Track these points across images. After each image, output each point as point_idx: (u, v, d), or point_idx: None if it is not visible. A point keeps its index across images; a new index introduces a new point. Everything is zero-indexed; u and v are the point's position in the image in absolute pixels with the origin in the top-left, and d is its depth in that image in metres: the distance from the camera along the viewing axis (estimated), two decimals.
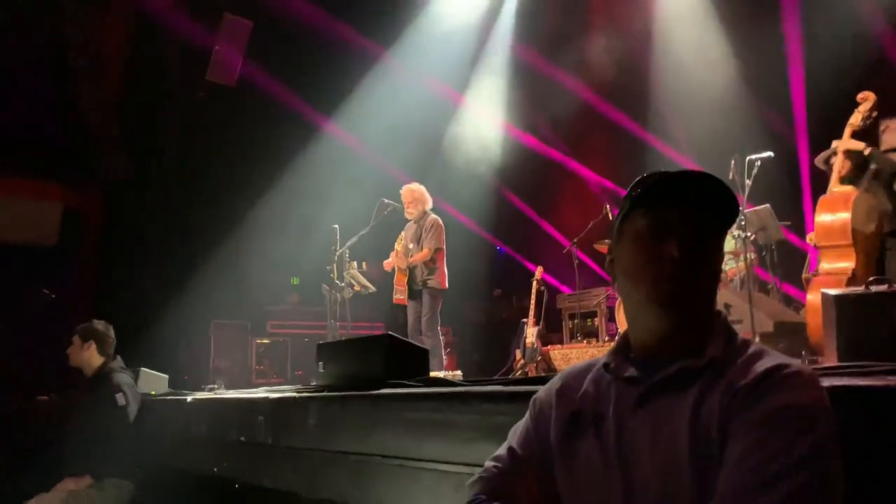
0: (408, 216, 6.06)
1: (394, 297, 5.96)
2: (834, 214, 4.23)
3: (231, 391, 4.62)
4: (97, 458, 3.97)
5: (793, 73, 6.86)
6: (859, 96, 4.54)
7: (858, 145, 4.44)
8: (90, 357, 4.23)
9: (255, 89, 8.59)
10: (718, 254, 1.22)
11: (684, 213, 1.18)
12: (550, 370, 6.34)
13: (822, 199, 4.38)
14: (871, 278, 3.05)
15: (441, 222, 6.01)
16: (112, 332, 4.35)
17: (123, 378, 4.24)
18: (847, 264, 4.17)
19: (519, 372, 6.64)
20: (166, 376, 5.15)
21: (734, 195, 1.22)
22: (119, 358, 4.38)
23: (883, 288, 2.79)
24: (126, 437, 4.05)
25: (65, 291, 7.44)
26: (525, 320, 6.94)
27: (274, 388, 5.05)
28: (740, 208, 5.05)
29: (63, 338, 4.36)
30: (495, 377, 6.32)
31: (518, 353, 6.89)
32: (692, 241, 1.16)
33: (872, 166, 4.43)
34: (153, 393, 4.78)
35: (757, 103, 7.02)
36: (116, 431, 4.02)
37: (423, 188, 6.09)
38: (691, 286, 1.16)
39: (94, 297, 7.98)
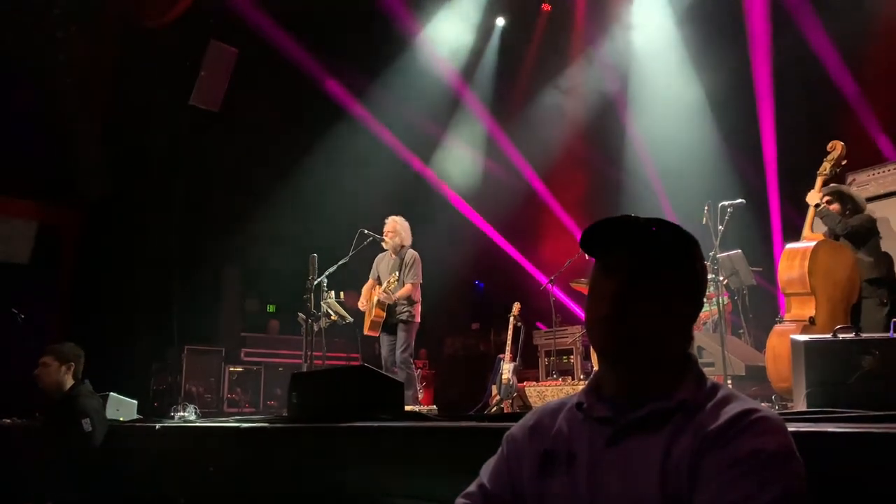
0: (385, 245, 6.09)
1: (366, 328, 5.95)
2: (791, 263, 4.35)
3: (201, 420, 4.55)
4: (60, 485, 3.85)
5: (764, 123, 7.08)
6: (829, 146, 4.66)
7: (814, 198, 4.57)
8: (65, 380, 4.13)
9: (240, 114, 8.61)
10: (667, 296, 1.21)
11: (620, 258, 1.22)
12: (526, 407, 6.33)
13: (785, 248, 4.50)
14: (838, 326, 3.13)
15: (419, 257, 6.06)
16: (83, 355, 4.28)
17: (91, 403, 4.14)
18: (805, 311, 4.26)
19: (494, 408, 6.62)
20: (135, 402, 5.05)
21: (675, 239, 1.24)
22: (87, 382, 4.28)
23: (850, 336, 2.87)
24: (91, 465, 3.95)
25: (36, 311, 7.29)
26: (502, 356, 6.94)
27: (245, 417, 4.98)
28: (712, 253, 5.17)
29: (32, 358, 4.26)
30: (470, 413, 6.31)
31: (494, 389, 6.88)
32: (627, 285, 1.19)
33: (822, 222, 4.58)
34: (121, 419, 4.69)
35: (730, 151, 7.22)
36: (81, 458, 3.92)
37: (406, 223, 6.15)
38: (626, 329, 1.19)
39: (66, 317, 7.83)
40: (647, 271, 1.20)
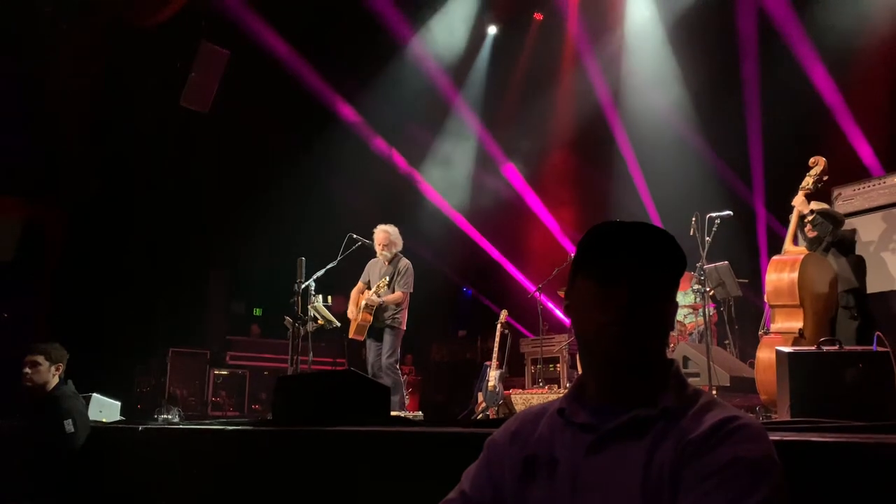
0: (381, 257, 6.09)
1: (351, 332, 5.93)
2: (781, 275, 4.35)
3: (185, 422, 4.52)
4: (38, 487, 3.80)
5: (752, 136, 7.15)
6: (811, 161, 4.71)
7: (804, 206, 4.60)
8: (52, 380, 4.08)
9: (229, 116, 8.58)
10: (666, 304, 1.23)
11: (631, 264, 1.20)
12: (511, 414, 6.32)
13: (772, 259, 4.52)
14: (822, 339, 3.18)
15: (412, 267, 6.06)
16: (68, 356, 4.23)
17: (74, 404, 4.09)
18: (795, 324, 4.28)
19: (480, 415, 6.62)
20: (118, 403, 5.01)
21: (679, 248, 1.25)
22: (70, 382, 4.23)
23: (833, 348, 2.91)
24: (71, 467, 3.90)
25: (19, 309, 7.20)
26: (488, 363, 6.94)
27: (230, 420, 4.96)
28: (700, 263, 5.20)
29: (13, 357, 4.20)
30: (457, 419, 6.30)
31: (480, 396, 6.88)
32: (638, 291, 1.19)
33: (810, 227, 4.60)
34: (104, 420, 4.65)
35: (718, 164, 7.28)
36: (61, 460, 3.87)
37: (396, 230, 6.15)
38: (637, 335, 1.18)
39: (50, 316, 7.75)
40: (657, 279, 1.21)
